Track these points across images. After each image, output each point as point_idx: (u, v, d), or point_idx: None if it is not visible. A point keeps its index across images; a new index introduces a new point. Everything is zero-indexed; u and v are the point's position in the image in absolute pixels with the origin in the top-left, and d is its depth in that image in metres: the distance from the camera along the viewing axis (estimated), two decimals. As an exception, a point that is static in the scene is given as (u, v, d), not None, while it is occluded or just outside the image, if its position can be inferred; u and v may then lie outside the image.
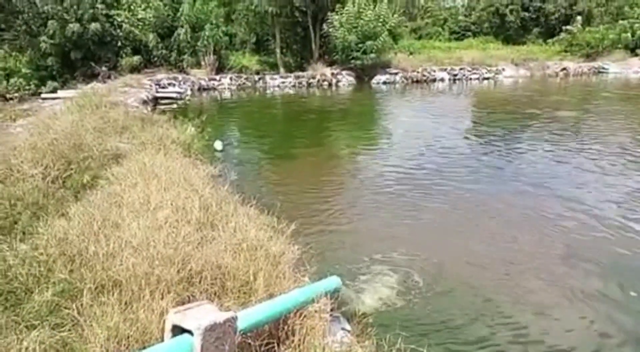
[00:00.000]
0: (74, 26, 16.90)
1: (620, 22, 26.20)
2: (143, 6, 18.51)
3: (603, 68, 24.10)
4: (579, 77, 23.33)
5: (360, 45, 20.85)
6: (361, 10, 20.94)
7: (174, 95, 16.55)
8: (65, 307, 2.77)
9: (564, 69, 23.96)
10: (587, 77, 23.30)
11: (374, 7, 21.30)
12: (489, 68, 23.54)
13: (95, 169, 5.53)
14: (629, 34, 25.31)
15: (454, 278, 4.64)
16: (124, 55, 18.61)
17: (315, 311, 3.02)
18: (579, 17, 27.26)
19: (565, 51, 26.12)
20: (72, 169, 5.36)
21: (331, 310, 3.19)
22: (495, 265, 4.97)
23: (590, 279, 4.65)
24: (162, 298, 2.76)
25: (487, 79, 23.14)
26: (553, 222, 5.92)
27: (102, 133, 7.17)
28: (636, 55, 25.02)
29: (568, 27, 26.85)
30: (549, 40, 28.03)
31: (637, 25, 25.38)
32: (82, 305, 2.76)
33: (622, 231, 5.64)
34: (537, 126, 11.93)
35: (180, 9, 19.19)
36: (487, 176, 8.03)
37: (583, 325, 3.98)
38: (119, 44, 18.75)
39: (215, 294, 2.99)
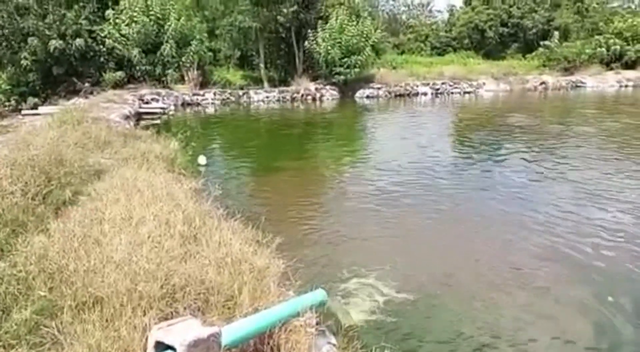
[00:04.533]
0: (56, 42, 16.76)
1: (596, 37, 27.03)
2: (127, 22, 18.45)
3: (581, 82, 24.72)
4: (557, 91, 23.88)
5: (344, 60, 21.06)
6: (344, 26, 21.19)
7: (158, 110, 16.45)
8: (45, 326, 2.69)
9: (543, 83, 24.52)
10: (565, 91, 23.87)
11: (357, 23, 21.58)
12: (469, 82, 23.98)
13: (77, 184, 5.44)
14: (604, 49, 26.11)
15: (440, 291, 4.65)
16: (107, 71, 18.48)
17: (301, 325, 3.00)
18: (556, 33, 28.04)
19: (544, 66, 26.77)
20: (52, 185, 5.24)
21: (317, 324, 3.16)
22: (482, 277, 5.00)
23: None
24: (144, 314, 2.71)
25: (468, 93, 23.55)
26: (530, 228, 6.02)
27: (83, 149, 7.07)
28: (611, 69, 25.81)
29: (546, 42, 27.58)
30: (528, 55, 28.74)
31: (611, 40, 26.21)
32: (62, 323, 2.70)
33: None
34: (520, 138, 12.14)
35: (167, 25, 19.19)
36: (470, 188, 8.12)
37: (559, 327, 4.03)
38: (102, 59, 18.63)
39: (199, 309, 2.95)
